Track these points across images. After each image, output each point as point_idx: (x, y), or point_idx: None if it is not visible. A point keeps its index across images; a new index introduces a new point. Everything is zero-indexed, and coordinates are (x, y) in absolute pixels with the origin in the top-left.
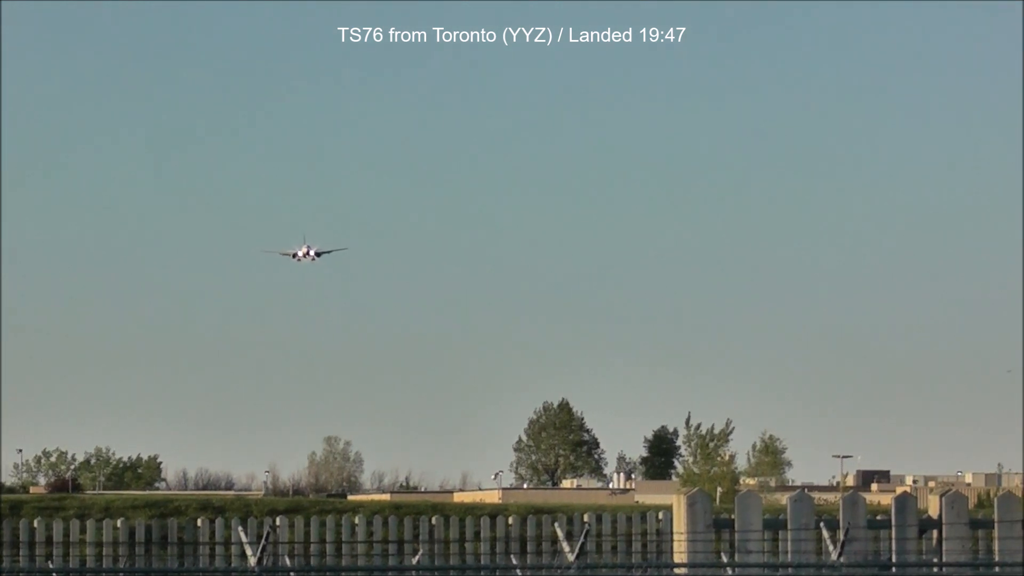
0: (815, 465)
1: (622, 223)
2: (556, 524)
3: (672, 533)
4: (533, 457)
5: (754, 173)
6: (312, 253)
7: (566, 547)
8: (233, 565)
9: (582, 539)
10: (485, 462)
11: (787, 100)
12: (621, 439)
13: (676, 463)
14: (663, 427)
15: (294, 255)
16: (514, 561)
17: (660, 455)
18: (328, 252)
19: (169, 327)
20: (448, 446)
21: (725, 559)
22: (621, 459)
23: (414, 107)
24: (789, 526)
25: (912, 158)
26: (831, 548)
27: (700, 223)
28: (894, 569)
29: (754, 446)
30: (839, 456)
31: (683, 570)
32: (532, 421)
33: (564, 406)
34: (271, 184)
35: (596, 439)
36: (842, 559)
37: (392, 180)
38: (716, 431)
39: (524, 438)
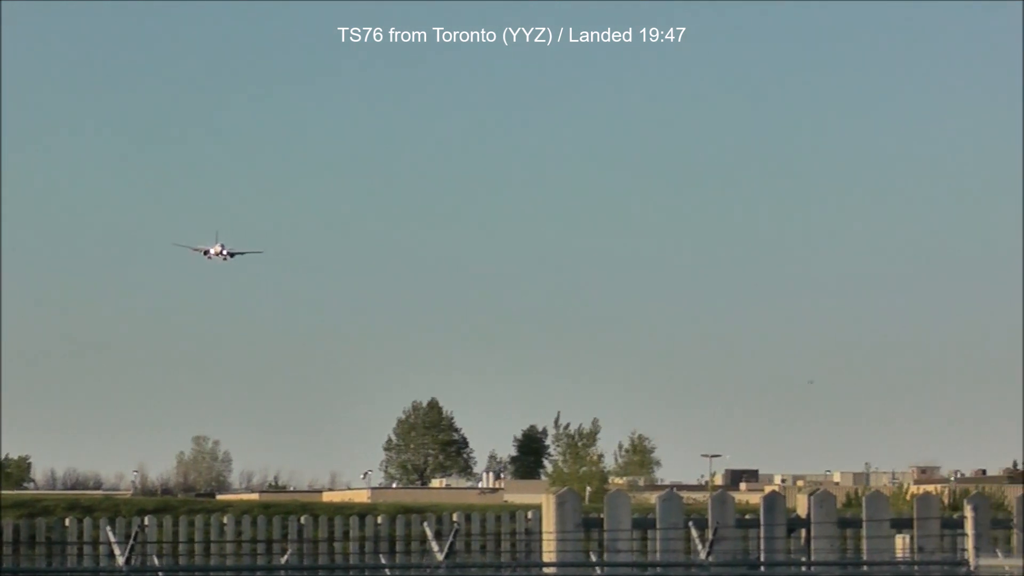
0: (684, 464)
1: (511, 224)
2: (425, 523)
3: (541, 532)
4: (402, 456)
5: (751, 173)
6: (225, 252)
7: (435, 546)
8: (101, 565)
9: (451, 538)
10: (354, 461)
11: (787, 100)
12: (491, 438)
13: (545, 462)
14: (532, 426)
15: (205, 252)
16: (383, 560)
17: (530, 454)
18: (241, 253)
19: (38, 321)
20: (317, 445)
21: (594, 558)
22: (492, 458)
23: (414, 107)
24: (658, 525)
25: (911, 158)
26: (700, 547)
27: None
28: (763, 568)
29: (620, 446)
30: (708, 455)
31: (552, 569)
32: (401, 421)
33: (433, 405)
34: (264, 184)
35: (465, 438)
36: (711, 558)
37: (382, 181)
38: (585, 430)
39: (393, 438)
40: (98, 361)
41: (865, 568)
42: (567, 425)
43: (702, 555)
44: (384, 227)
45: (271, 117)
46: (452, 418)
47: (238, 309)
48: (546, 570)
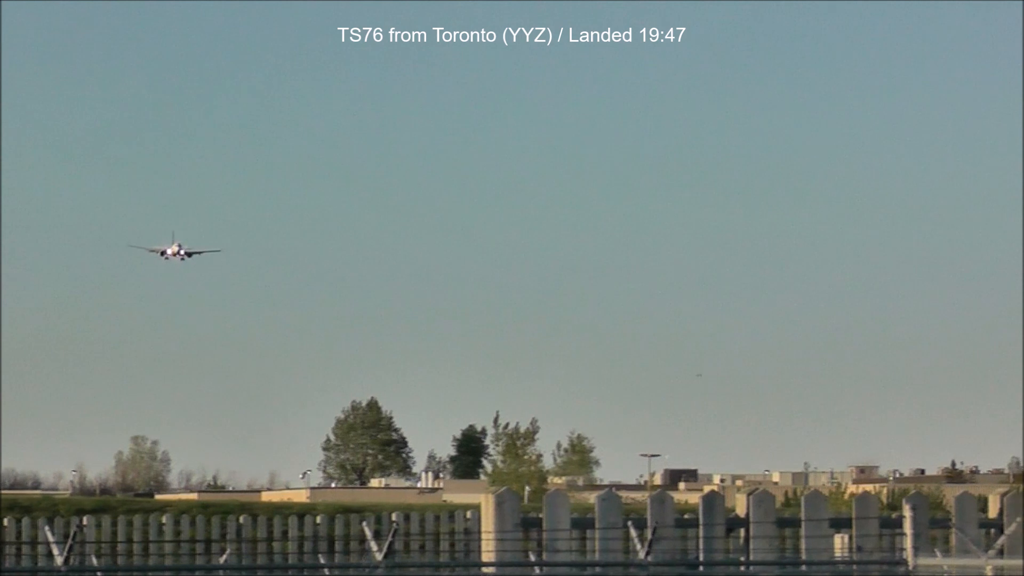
0: (623, 464)
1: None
2: (364, 523)
3: (480, 532)
4: (341, 456)
5: (751, 173)
6: (182, 252)
7: (374, 546)
8: (40, 565)
9: (390, 538)
10: (293, 461)
11: (787, 100)
12: (430, 438)
13: (484, 462)
14: (471, 426)
15: (162, 253)
16: (322, 560)
17: (469, 454)
18: (199, 252)
19: None
20: (256, 445)
21: (533, 558)
22: (431, 458)
23: (414, 107)
24: (597, 525)
25: (910, 157)
26: (639, 547)
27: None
28: (701, 568)
29: (559, 445)
30: (647, 455)
31: (491, 569)
32: (340, 420)
33: (373, 405)
34: (265, 185)
35: (404, 438)
36: (650, 558)
37: (371, 181)
38: (523, 430)
39: (332, 437)
40: (37, 360)
41: (804, 568)
42: (506, 425)
43: (641, 555)
44: (342, 228)
45: (270, 117)
46: (391, 418)
47: (174, 310)
48: (485, 570)
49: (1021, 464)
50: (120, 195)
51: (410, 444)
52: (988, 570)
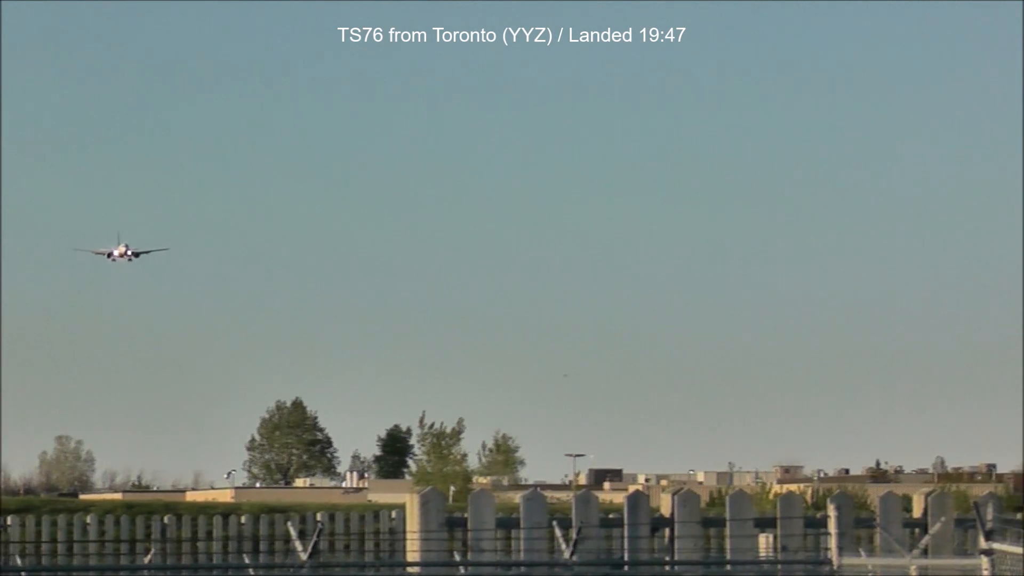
0: (548, 464)
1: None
2: (289, 523)
3: (405, 532)
4: (266, 456)
5: (751, 173)
6: (129, 253)
7: (299, 546)
8: None
9: (315, 538)
10: (218, 461)
11: (787, 100)
12: (355, 438)
13: (410, 462)
14: (396, 426)
15: (109, 254)
16: (247, 560)
17: (394, 454)
18: (147, 252)
19: None
20: (180, 445)
21: (458, 558)
22: (356, 458)
23: (414, 107)
24: (522, 525)
25: (910, 157)
26: (564, 546)
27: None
28: (626, 567)
29: (483, 445)
30: (572, 455)
31: (416, 569)
32: (265, 420)
33: (297, 405)
34: (272, 187)
35: (329, 438)
36: (575, 557)
37: (381, 180)
38: (448, 430)
39: (257, 437)
40: None
41: (728, 567)
42: (432, 425)
43: (566, 554)
44: (293, 228)
45: (269, 117)
46: (316, 417)
47: (96, 310)
48: (410, 570)
49: (945, 464)
50: (112, 197)
51: (335, 444)
52: (912, 570)
